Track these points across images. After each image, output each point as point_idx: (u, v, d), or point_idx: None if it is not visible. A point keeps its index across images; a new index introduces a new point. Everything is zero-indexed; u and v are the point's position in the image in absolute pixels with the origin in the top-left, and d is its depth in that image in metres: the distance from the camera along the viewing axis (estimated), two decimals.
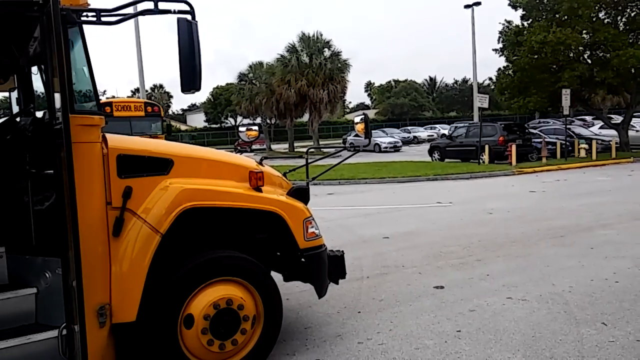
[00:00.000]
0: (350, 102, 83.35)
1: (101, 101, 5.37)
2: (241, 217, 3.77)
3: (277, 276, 4.08)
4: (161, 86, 78.42)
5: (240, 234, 3.89)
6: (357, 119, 4.30)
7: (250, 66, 42.02)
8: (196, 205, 3.40)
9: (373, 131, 38.00)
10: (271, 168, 4.31)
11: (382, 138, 37.53)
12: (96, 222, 3.12)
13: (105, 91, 63.88)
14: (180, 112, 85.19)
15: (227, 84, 60.24)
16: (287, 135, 43.72)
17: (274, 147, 44.35)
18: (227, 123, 66.15)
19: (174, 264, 3.43)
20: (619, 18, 21.20)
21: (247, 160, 4.00)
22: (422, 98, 74.27)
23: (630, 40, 20.39)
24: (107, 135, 3.29)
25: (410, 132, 46.82)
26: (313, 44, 35.84)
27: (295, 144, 42.11)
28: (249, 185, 3.71)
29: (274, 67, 38.11)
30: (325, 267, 4.11)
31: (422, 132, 47.58)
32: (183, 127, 69.23)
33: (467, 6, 35.61)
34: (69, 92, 2.91)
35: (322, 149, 28.09)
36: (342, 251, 4.39)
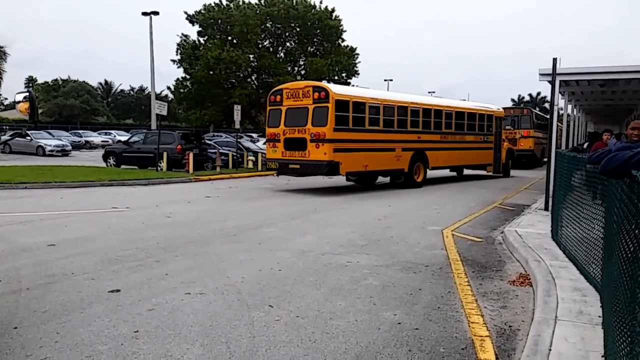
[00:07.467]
0: (6, 99, 70.96)
1: None
2: None
3: None
4: None
5: None
6: (19, 97, 3.57)
7: None
8: None
9: (36, 132, 33.41)
10: None
11: (48, 140, 33.22)
12: None
13: None
14: None
15: None
16: None
17: None
18: None
19: None
20: (279, 48, 24.50)
21: None
22: (95, 102, 69.38)
23: (289, 69, 23.80)
24: None
25: (82, 137, 42.90)
26: None
27: None
28: None
29: None
30: None
31: (96, 137, 44.16)
32: None
33: (144, 13, 35.09)
34: None
35: None
36: None
